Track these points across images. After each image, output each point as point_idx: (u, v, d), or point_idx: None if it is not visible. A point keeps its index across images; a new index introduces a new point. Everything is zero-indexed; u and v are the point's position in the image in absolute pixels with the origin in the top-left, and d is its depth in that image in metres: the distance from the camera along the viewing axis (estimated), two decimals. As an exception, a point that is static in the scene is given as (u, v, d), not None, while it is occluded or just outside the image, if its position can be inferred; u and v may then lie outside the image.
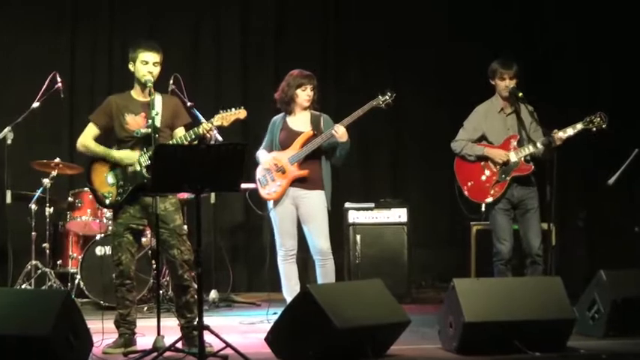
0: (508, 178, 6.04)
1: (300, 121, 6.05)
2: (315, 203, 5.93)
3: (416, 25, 8.69)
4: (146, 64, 5.22)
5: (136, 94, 5.33)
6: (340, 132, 5.83)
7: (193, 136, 5.13)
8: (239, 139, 7.50)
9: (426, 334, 5.55)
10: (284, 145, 6.00)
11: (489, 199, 6.08)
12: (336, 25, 8.85)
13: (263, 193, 6.06)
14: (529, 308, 4.93)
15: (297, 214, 5.99)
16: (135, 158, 5.19)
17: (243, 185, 6.83)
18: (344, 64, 8.81)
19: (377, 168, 8.82)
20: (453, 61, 8.57)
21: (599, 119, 5.94)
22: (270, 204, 6.04)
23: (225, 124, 5.17)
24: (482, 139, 6.20)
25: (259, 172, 6.08)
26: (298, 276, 6.12)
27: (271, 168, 5.97)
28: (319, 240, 5.92)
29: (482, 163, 6.13)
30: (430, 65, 8.72)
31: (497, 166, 6.07)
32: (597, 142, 6.67)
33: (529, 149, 6.02)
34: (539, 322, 4.91)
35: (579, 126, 5.96)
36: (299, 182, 5.94)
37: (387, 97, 5.95)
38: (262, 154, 6.09)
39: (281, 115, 6.12)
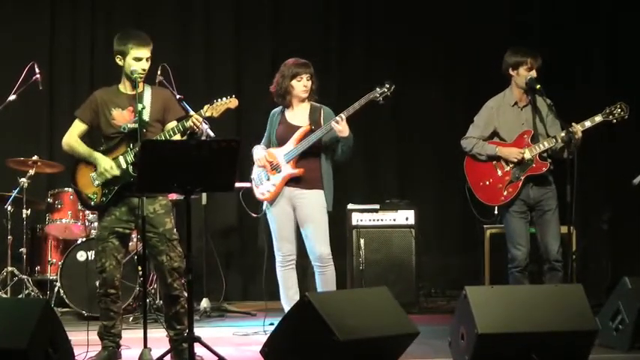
0: (522, 178, 6.05)
1: (298, 114, 6.02)
2: (312, 204, 5.90)
3: (426, 13, 8.73)
4: (139, 60, 5.21)
5: (123, 87, 5.34)
6: (341, 125, 5.73)
7: (182, 129, 5.13)
8: (233, 135, 7.52)
9: (436, 346, 5.56)
10: (281, 141, 5.98)
11: (502, 202, 6.09)
12: (339, 12, 8.89)
13: (257, 193, 6.08)
14: (547, 319, 4.92)
15: (295, 215, 5.99)
16: (114, 172, 5.20)
17: (237, 184, 6.86)
18: (347, 54, 8.83)
19: (382, 166, 8.82)
20: (466, 51, 8.60)
21: (619, 110, 5.92)
22: (266, 205, 6.05)
23: (216, 114, 5.17)
24: (493, 135, 6.20)
25: (254, 171, 6.09)
26: (297, 284, 6.11)
27: (265, 166, 5.97)
28: (318, 245, 5.89)
29: (494, 162, 6.14)
30: (441, 55, 8.75)
31: (510, 165, 6.09)
32: (622, 137, 6.67)
33: (544, 145, 6.02)
34: (559, 334, 4.90)
35: (598, 118, 5.93)
36: (295, 182, 5.91)
37: (385, 90, 5.79)
38: (257, 151, 6.06)
39: (280, 107, 6.10)
